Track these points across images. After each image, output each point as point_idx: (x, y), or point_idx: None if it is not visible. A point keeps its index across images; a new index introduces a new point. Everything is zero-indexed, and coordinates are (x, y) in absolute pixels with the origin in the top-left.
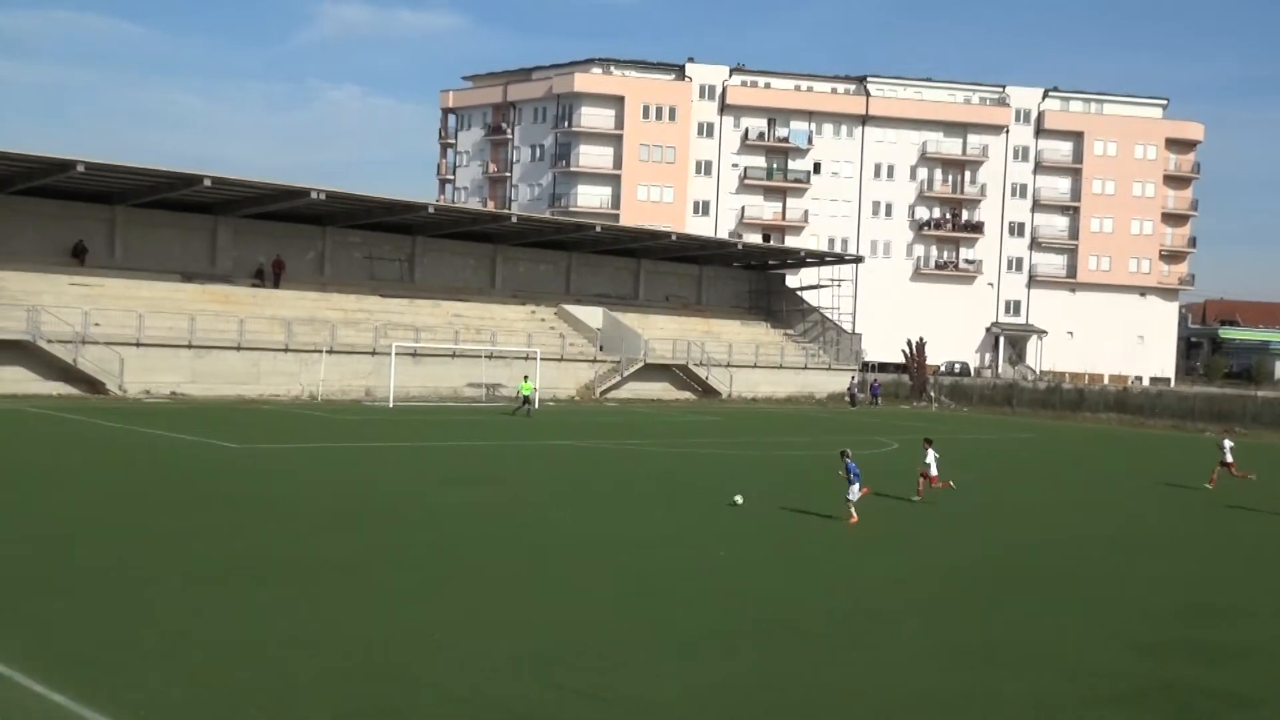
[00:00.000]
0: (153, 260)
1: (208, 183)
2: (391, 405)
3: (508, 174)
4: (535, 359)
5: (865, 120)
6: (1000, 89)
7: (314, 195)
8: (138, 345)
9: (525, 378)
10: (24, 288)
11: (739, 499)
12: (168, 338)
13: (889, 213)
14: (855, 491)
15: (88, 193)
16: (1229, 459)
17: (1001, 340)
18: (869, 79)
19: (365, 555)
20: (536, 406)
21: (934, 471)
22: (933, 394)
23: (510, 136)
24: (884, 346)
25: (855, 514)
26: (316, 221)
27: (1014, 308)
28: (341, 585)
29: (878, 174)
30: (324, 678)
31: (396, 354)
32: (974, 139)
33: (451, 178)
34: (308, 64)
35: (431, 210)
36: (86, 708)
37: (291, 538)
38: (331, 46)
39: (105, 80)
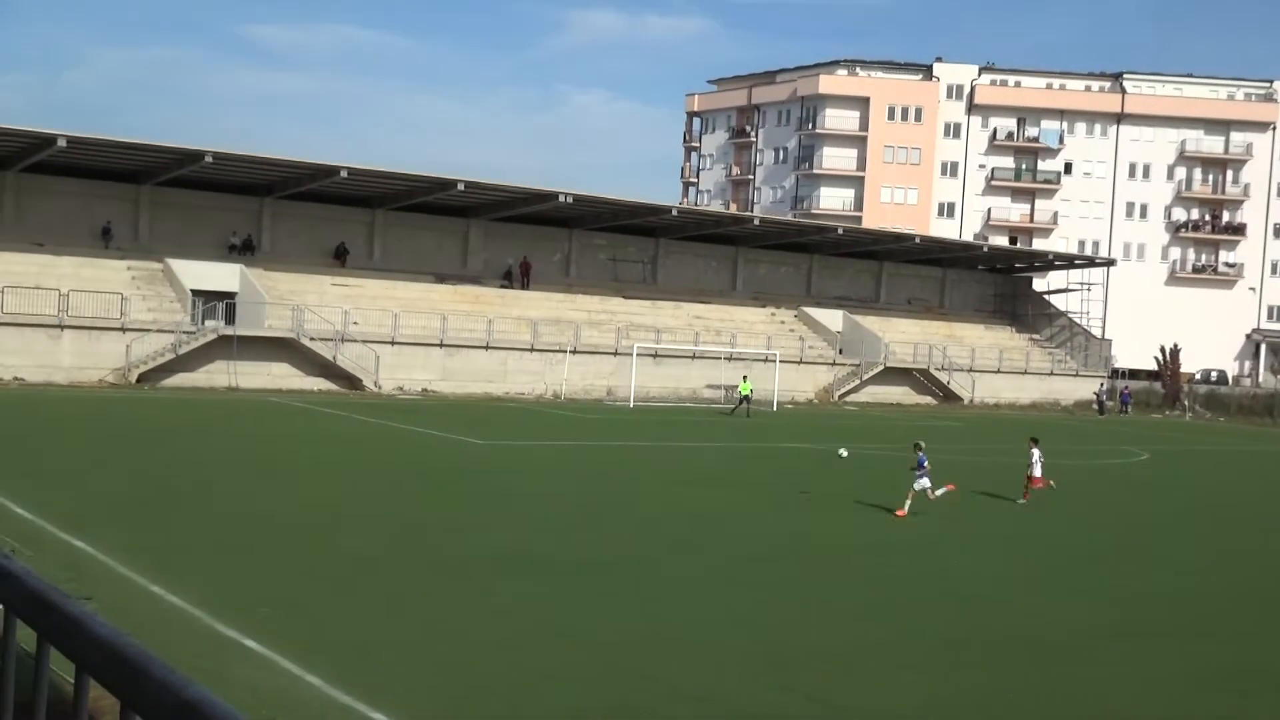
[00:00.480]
0: (408, 261)
1: (461, 187)
2: (632, 405)
3: (750, 176)
4: (774, 361)
5: (1120, 119)
6: (1267, 84)
7: (562, 198)
8: (393, 344)
9: (744, 377)
10: (291, 288)
11: (844, 452)
12: (421, 336)
13: (1144, 214)
14: (924, 483)
15: (350, 197)
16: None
17: (1263, 348)
18: (1125, 76)
19: (605, 553)
20: (774, 409)
21: (1037, 472)
22: (1186, 403)
23: (754, 139)
24: (1135, 353)
25: (906, 508)
26: (563, 224)
27: (1277, 313)
28: (581, 582)
29: (1132, 174)
30: (562, 672)
31: (638, 355)
32: (1237, 137)
33: (695, 180)
34: (557, 70)
35: (675, 213)
36: (337, 690)
37: (534, 534)
38: (581, 52)
39: (370, 89)
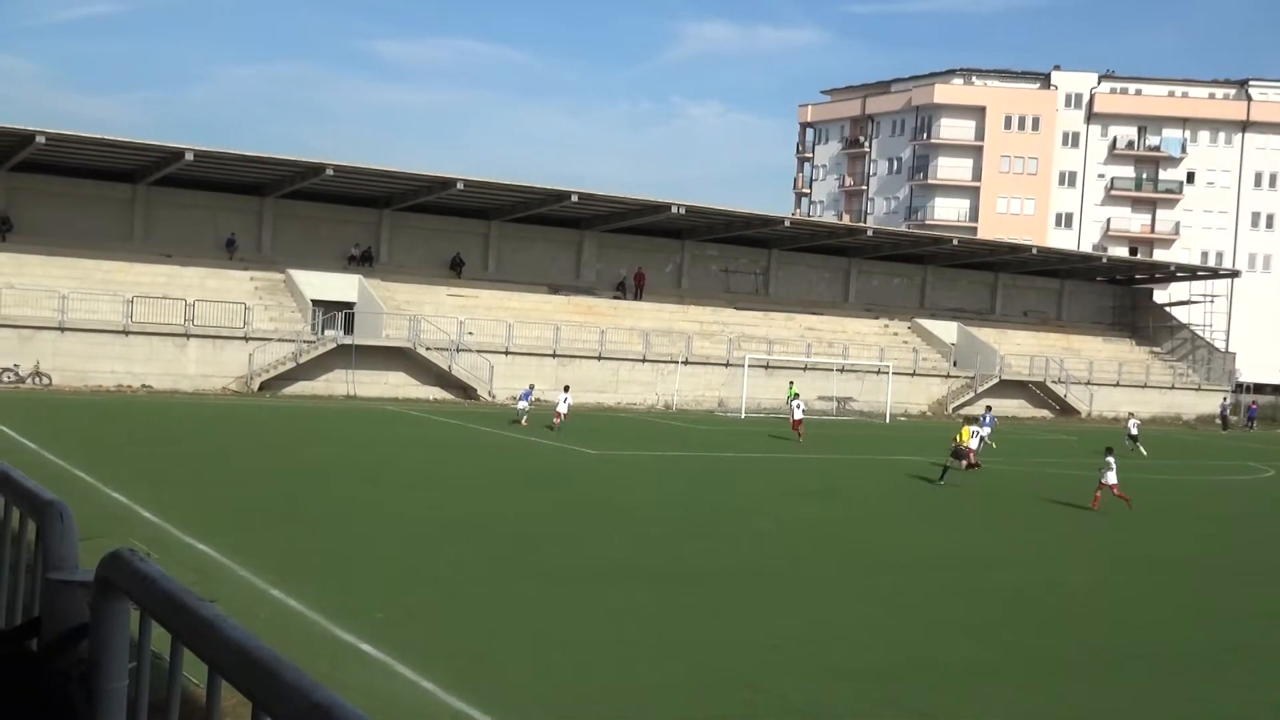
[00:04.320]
0: (522, 272)
1: (574, 198)
2: (743, 416)
3: (864, 187)
4: (888, 373)
5: (1245, 126)
6: None
7: (674, 210)
8: (506, 354)
9: (790, 383)
10: (409, 298)
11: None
12: (534, 347)
13: (1270, 224)
14: (1111, 478)
15: (466, 209)
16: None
17: None
18: (1250, 83)
19: (715, 564)
20: (887, 421)
21: (1112, 480)
22: None
23: (867, 149)
24: (1262, 366)
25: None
26: (676, 235)
27: None
28: (691, 592)
29: (1258, 183)
30: (669, 683)
31: (749, 365)
32: None
33: (808, 191)
34: (671, 82)
35: (787, 224)
36: (451, 696)
37: (644, 544)
38: (695, 64)
39: (488, 102)
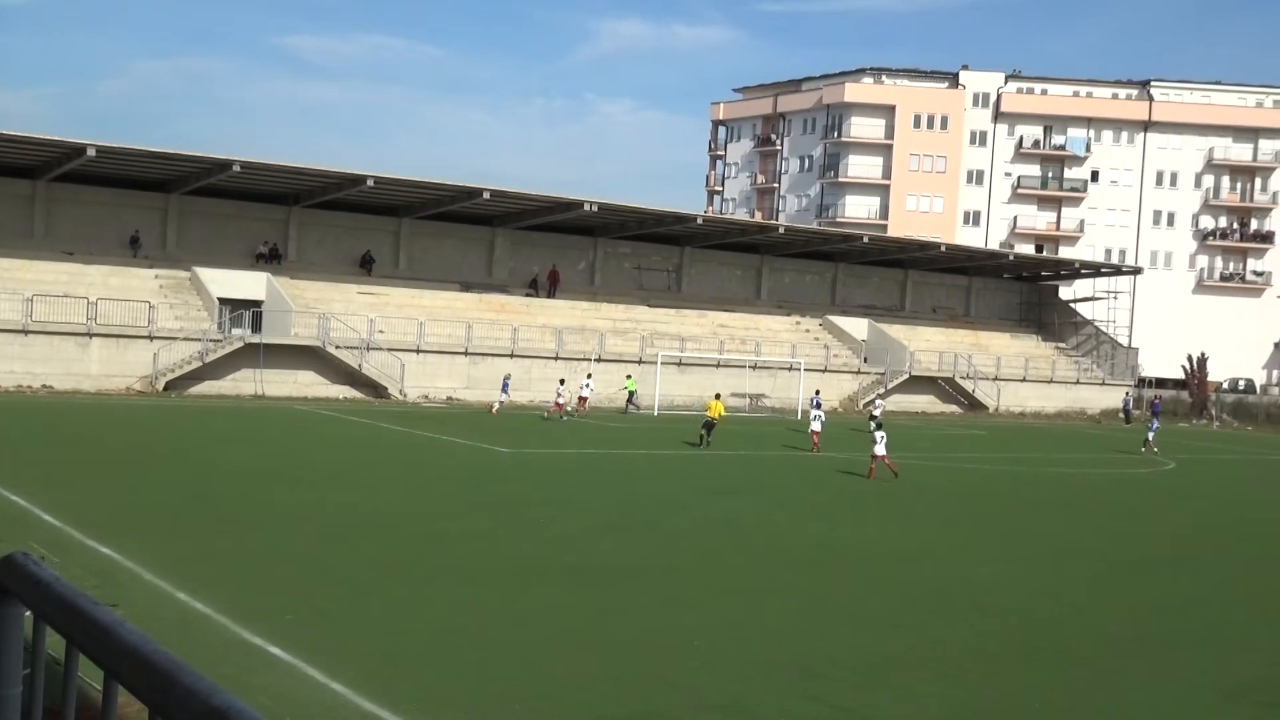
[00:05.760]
0: (434, 270)
1: (486, 196)
2: (656, 413)
3: (776, 185)
4: (799, 370)
5: (1148, 126)
6: None
7: (587, 207)
8: (418, 352)
9: (629, 376)
10: (318, 296)
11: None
12: (446, 345)
13: (1171, 222)
14: (880, 450)
15: (377, 206)
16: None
17: None
18: (1152, 83)
19: (630, 561)
20: (798, 418)
21: (881, 451)
22: (1214, 412)
23: (779, 147)
24: (1162, 362)
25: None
26: (588, 233)
27: None
28: (606, 590)
29: (1159, 182)
30: (583, 680)
31: (662, 363)
32: (1266, 144)
33: (720, 189)
34: (585, 79)
35: (700, 221)
36: (361, 697)
37: (559, 541)
38: (609, 61)
39: (401, 99)
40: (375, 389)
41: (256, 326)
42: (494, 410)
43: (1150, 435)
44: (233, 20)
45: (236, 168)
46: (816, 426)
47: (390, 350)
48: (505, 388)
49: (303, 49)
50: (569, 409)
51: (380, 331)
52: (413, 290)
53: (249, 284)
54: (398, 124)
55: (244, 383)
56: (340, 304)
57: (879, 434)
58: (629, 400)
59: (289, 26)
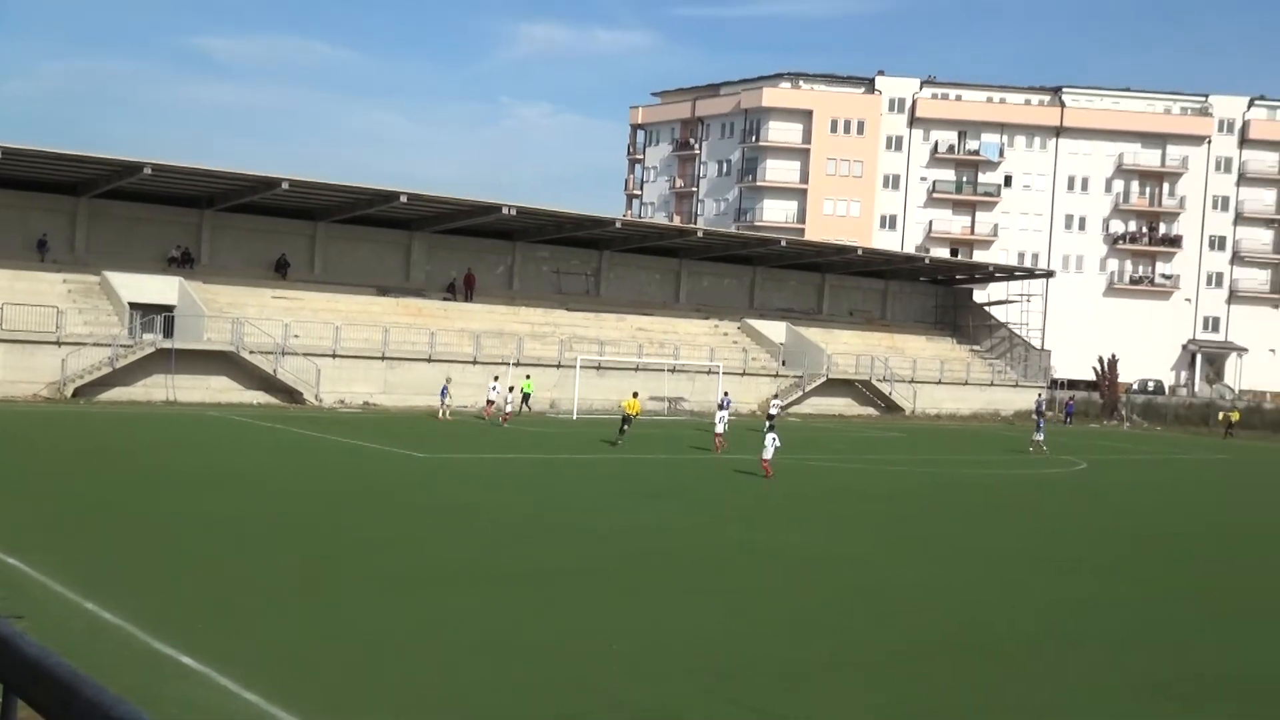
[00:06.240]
0: (350, 274)
1: (403, 199)
2: (575, 417)
3: (694, 189)
4: (718, 373)
5: (1059, 132)
6: (1203, 98)
7: (505, 211)
8: (334, 356)
9: (527, 376)
10: (231, 301)
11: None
12: (362, 349)
13: (1082, 226)
14: (767, 453)
15: (292, 209)
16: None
17: (1199, 358)
18: (1064, 90)
19: (549, 565)
20: (527, 410)
21: (768, 455)
22: (1124, 413)
23: (698, 152)
24: (1074, 363)
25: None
26: (507, 236)
27: (1212, 324)
28: (524, 594)
29: (1071, 187)
30: (501, 685)
31: (581, 367)
32: (1174, 150)
33: (639, 193)
34: (503, 82)
35: (618, 225)
36: (276, 707)
37: (478, 547)
38: (527, 65)
39: (315, 101)
40: (290, 394)
41: (168, 331)
42: (442, 415)
43: (1039, 435)
44: (140, 21)
45: (147, 170)
46: (720, 428)
47: (306, 355)
48: (445, 392)
49: (215, 51)
50: (506, 411)
51: (295, 336)
52: (328, 294)
53: (160, 288)
54: (313, 127)
55: (155, 389)
56: (254, 308)
57: (770, 435)
58: (524, 402)
59: (199, 27)
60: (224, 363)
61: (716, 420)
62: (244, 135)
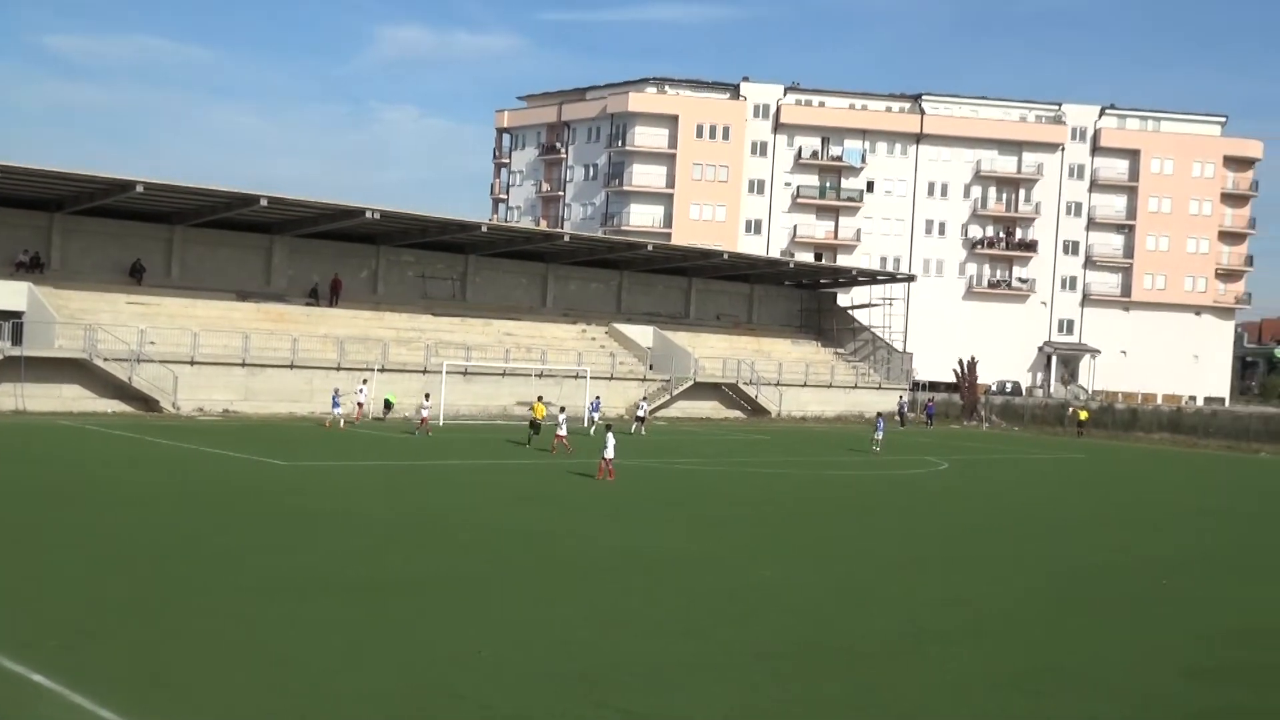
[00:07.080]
0: (209, 279)
1: (264, 203)
2: (442, 423)
3: (561, 193)
4: (585, 377)
5: (919, 139)
6: (1056, 107)
7: (368, 215)
8: (192, 363)
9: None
10: (83, 306)
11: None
12: (222, 356)
13: (942, 231)
14: (609, 452)
15: (147, 213)
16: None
17: (1054, 359)
18: (924, 97)
19: (414, 574)
20: (586, 426)
21: (609, 455)
22: (983, 413)
23: (564, 156)
24: (935, 366)
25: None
26: (371, 241)
27: (1067, 327)
28: (393, 603)
29: (931, 192)
30: (369, 694)
31: (447, 372)
32: (1029, 157)
33: (505, 197)
34: (366, 86)
35: (484, 229)
36: None
37: (340, 556)
38: (390, 68)
39: (173, 102)
40: (147, 402)
41: (17, 339)
42: (343, 425)
43: (878, 435)
44: None
45: None
46: (562, 432)
47: (162, 362)
48: (336, 401)
49: (65, 49)
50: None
51: (151, 343)
52: (186, 300)
53: (8, 294)
54: (169, 128)
55: (3, 398)
56: (108, 314)
57: (609, 437)
58: (385, 408)
59: (46, 25)
60: (76, 370)
61: (559, 423)
62: (100, 137)
